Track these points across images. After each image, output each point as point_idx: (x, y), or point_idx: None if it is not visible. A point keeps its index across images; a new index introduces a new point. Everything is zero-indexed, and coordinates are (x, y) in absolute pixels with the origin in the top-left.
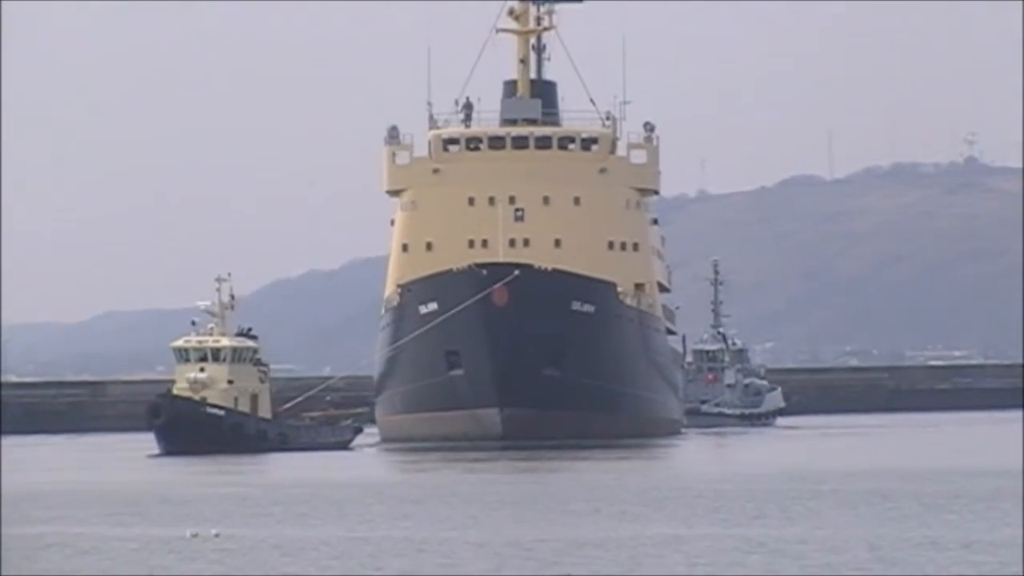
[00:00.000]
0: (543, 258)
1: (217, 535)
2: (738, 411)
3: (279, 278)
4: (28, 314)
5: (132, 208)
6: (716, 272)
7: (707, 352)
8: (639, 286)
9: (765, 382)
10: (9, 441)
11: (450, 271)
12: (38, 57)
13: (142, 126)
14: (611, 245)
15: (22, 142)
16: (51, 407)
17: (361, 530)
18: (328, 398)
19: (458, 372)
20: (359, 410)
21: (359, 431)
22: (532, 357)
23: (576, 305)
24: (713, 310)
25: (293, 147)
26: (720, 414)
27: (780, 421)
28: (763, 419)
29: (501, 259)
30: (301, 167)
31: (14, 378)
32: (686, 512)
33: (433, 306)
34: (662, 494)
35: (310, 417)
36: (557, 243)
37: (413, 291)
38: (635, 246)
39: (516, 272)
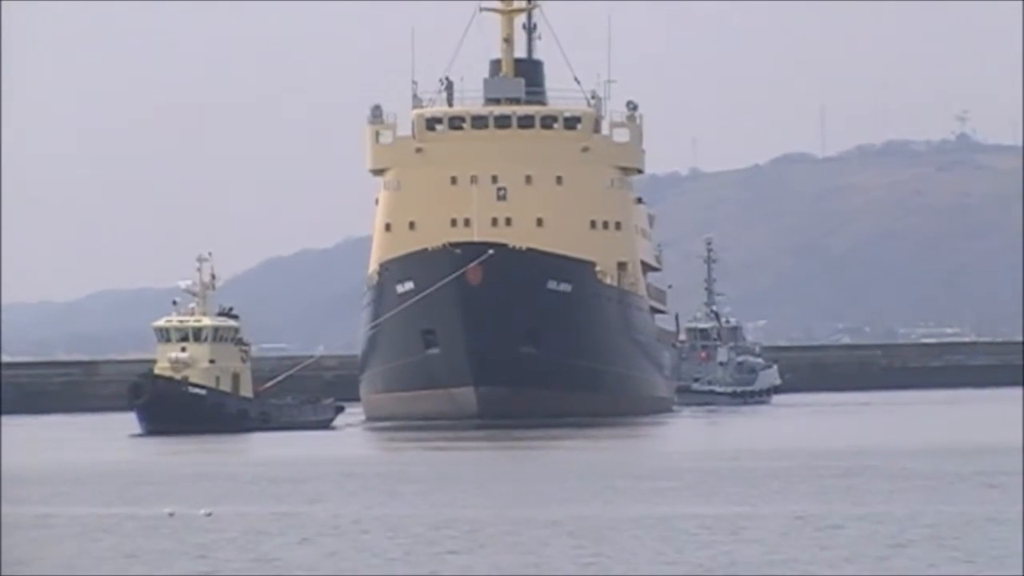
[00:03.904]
0: (524, 237)
1: (209, 514)
2: (730, 389)
3: (272, 256)
4: (21, 293)
5: (126, 187)
6: (709, 250)
7: (700, 330)
8: (622, 265)
9: (760, 360)
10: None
11: (425, 250)
12: (34, 40)
13: (136, 106)
14: (593, 224)
15: (17, 121)
16: (44, 387)
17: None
18: None
19: (434, 351)
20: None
21: (340, 410)
22: (507, 336)
23: (552, 284)
24: (706, 288)
25: (287, 125)
26: (711, 392)
27: (775, 399)
28: (756, 397)
29: (479, 238)
30: (294, 146)
31: (7, 358)
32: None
33: (409, 285)
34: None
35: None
36: (539, 222)
37: (391, 270)
38: (618, 225)
39: (491, 251)
